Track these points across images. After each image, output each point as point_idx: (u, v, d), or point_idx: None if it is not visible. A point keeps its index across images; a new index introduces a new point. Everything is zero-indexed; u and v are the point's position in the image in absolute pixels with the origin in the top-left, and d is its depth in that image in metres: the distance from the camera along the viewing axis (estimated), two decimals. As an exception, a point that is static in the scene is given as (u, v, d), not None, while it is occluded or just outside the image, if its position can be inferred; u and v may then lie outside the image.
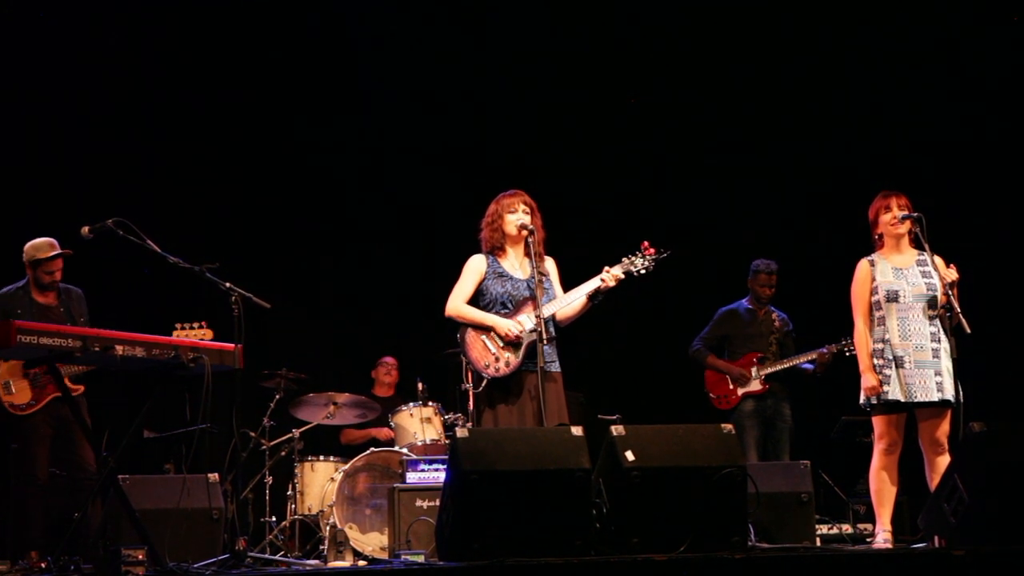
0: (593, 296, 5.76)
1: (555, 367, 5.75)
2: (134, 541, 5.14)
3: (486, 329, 5.77)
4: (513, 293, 5.81)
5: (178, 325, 5.95)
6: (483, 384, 5.75)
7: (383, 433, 8.30)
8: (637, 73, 9.60)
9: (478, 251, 5.96)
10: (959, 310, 5.69)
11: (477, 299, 5.89)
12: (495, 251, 5.92)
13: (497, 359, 5.71)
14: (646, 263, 5.83)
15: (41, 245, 6.63)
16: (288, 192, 9.28)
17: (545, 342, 5.56)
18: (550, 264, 5.98)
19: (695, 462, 5.07)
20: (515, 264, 5.90)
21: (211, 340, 5.72)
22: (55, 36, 8.63)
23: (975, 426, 5.19)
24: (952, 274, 5.82)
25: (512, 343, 5.70)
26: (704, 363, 8.06)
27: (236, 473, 6.34)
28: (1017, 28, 8.91)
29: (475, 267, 5.91)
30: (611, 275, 5.74)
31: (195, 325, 5.91)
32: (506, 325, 5.72)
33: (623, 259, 5.83)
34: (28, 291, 6.66)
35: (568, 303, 5.79)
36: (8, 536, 6.66)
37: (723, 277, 8.66)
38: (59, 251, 6.61)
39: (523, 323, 5.73)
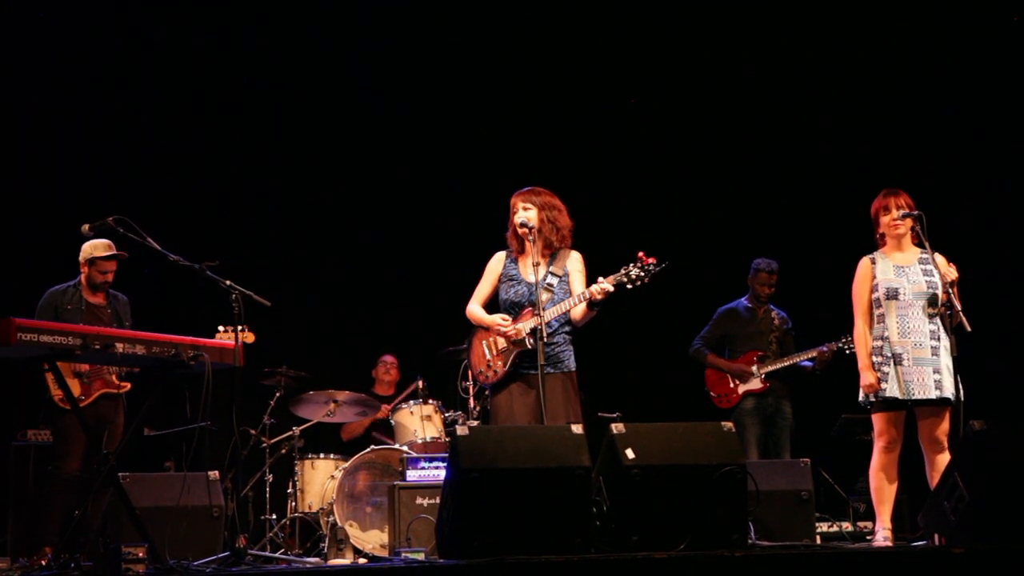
0: (591, 304, 5.69)
1: (561, 367, 5.73)
2: (134, 539, 5.14)
3: (489, 332, 5.79)
4: (515, 299, 5.81)
5: (221, 328, 6.00)
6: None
7: (381, 413, 8.29)
8: (637, 73, 9.60)
9: (486, 251, 5.99)
10: (960, 308, 5.68)
11: (495, 299, 5.93)
12: (514, 251, 5.94)
13: (488, 366, 5.73)
14: (642, 273, 5.64)
15: (99, 244, 6.80)
16: (288, 190, 9.29)
17: (544, 340, 5.55)
18: (574, 260, 5.89)
19: (695, 460, 5.06)
20: (529, 265, 5.83)
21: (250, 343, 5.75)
22: (55, 36, 8.63)
23: (975, 424, 5.18)
24: (952, 273, 5.80)
25: (502, 351, 5.71)
26: (704, 362, 8.07)
27: (236, 471, 6.34)
28: (1017, 28, 8.91)
29: (492, 267, 5.95)
30: (599, 288, 5.57)
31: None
32: (496, 321, 5.74)
33: (621, 269, 5.66)
34: (79, 289, 6.86)
35: (566, 310, 5.74)
36: (13, 532, 6.67)
37: (723, 276, 8.65)
38: (115, 252, 6.79)
39: (522, 329, 5.70)
